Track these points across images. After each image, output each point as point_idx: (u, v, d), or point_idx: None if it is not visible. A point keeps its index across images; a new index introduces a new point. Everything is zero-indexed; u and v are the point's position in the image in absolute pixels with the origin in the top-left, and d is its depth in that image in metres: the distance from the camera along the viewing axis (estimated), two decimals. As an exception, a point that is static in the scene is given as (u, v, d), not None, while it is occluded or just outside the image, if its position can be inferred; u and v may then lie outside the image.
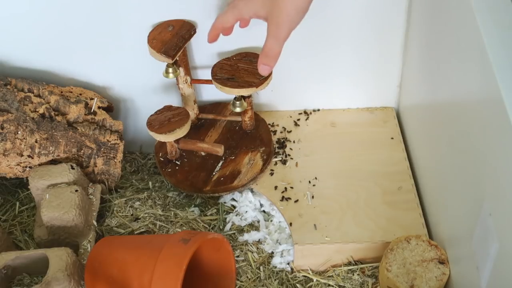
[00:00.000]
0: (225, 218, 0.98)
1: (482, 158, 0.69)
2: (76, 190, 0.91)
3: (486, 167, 0.68)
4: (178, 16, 0.96)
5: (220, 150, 0.97)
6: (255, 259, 0.93)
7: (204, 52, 1.00)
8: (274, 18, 0.80)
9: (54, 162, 0.97)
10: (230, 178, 0.98)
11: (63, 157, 0.97)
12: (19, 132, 0.94)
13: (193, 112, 1.03)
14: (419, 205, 0.95)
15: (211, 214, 0.99)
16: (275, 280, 0.91)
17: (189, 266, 0.77)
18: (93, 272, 0.84)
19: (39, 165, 0.96)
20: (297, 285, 0.91)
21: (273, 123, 1.08)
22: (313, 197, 0.97)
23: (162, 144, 1.01)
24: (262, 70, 0.87)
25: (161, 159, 1.02)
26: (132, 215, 0.98)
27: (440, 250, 0.86)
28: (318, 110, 1.11)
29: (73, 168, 0.94)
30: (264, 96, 1.08)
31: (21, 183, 1.04)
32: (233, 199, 1.00)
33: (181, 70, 0.97)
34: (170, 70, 0.95)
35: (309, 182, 0.99)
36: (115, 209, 0.98)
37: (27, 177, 0.96)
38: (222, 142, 1.02)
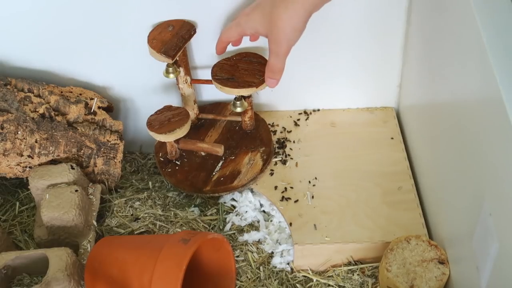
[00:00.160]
0: (225, 218, 0.98)
1: (482, 158, 0.69)
2: (76, 190, 0.91)
3: (486, 167, 0.68)
4: (178, 16, 0.96)
5: (220, 150, 0.97)
6: (255, 259, 0.93)
7: (204, 52, 1.00)
8: (273, 36, 0.85)
9: (54, 162, 0.97)
10: (230, 178, 0.98)
11: (63, 157, 0.97)
12: (19, 132, 0.94)
13: (193, 112, 1.03)
14: (419, 205, 0.95)
15: (211, 214, 0.99)
16: (275, 280, 0.91)
17: (189, 266, 0.77)
18: (93, 272, 0.84)
19: (39, 165, 0.96)
20: (297, 285, 0.91)
21: (273, 123, 1.08)
22: (313, 197, 0.97)
23: (162, 144, 1.01)
24: (270, 83, 0.91)
25: (161, 159, 1.02)
26: (132, 215, 0.98)
27: (440, 250, 0.86)
28: (318, 110, 1.11)
29: (73, 168, 0.94)
30: (264, 96, 1.08)
31: (21, 183, 1.04)
32: (233, 199, 1.00)
33: (181, 70, 0.97)
34: (171, 70, 0.95)
35: (309, 182, 0.99)
36: (115, 209, 0.98)
37: (27, 177, 0.96)
38: (222, 142, 1.02)
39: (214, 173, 0.99)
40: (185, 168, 1.00)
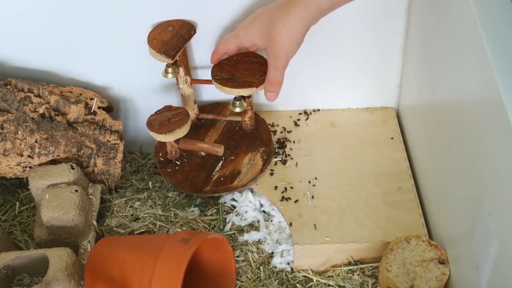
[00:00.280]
0: (225, 218, 0.98)
1: (482, 158, 0.69)
2: (76, 190, 0.91)
3: (486, 167, 0.68)
4: (178, 16, 0.96)
5: (220, 150, 0.97)
6: (255, 259, 0.93)
7: (204, 52, 1.00)
8: (271, 50, 0.86)
9: (54, 162, 0.97)
10: (230, 178, 0.98)
11: (63, 157, 0.97)
12: (19, 132, 0.94)
13: (193, 112, 1.03)
14: (419, 205, 0.95)
15: (211, 214, 0.99)
16: (275, 280, 0.91)
17: (189, 266, 0.77)
18: (93, 272, 0.84)
19: (39, 165, 0.96)
20: (297, 285, 0.91)
21: (273, 123, 1.08)
22: (313, 197, 0.97)
23: (162, 144, 1.01)
24: (269, 97, 0.92)
25: (161, 159, 1.02)
26: (132, 215, 0.98)
27: (440, 250, 0.86)
28: (318, 110, 1.11)
29: (73, 168, 0.94)
30: (264, 96, 1.08)
31: (21, 183, 1.04)
32: (233, 199, 1.00)
33: (181, 70, 0.97)
34: (170, 70, 0.95)
35: (309, 182, 0.99)
36: (115, 209, 0.98)
37: (27, 177, 0.96)
38: (222, 142, 1.02)
39: (214, 173, 0.99)
40: (185, 168, 1.00)
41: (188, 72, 0.99)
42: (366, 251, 0.91)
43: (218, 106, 1.07)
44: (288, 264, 0.93)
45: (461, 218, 0.78)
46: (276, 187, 0.99)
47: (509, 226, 0.63)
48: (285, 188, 0.98)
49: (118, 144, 0.99)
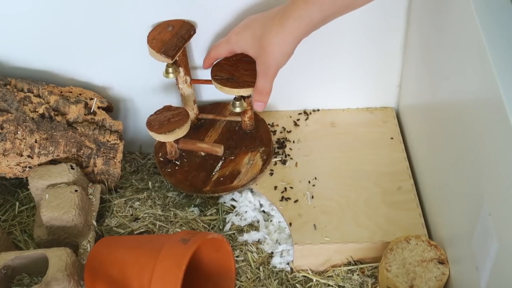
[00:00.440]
0: (225, 218, 0.98)
1: (482, 158, 0.69)
2: (76, 190, 0.91)
3: (486, 167, 0.68)
4: (178, 16, 0.96)
5: (219, 150, 0.97)
6: (255, 259, 0.93)
7: (204, 52, 1.00)
8: (262, 59, 0.87)
9: (53, 162, 0.97)
10: (229, 178, 0.98)
11: (62, 157, 0.97)
12: (18, 132, 0.94)
13: (192, 112, 1.03)
14: (419, 205, 0.95)
15: (210, 214, 0.99)
16: (274, 280, 0.91)
17: (189, 266, 0.77)
18: (93, 272, 0.84)
19: (39, 165, 0.96)
20: (297, 285, 0.91)
21: (273, 123, 1.08)
22: (313, 197, 0.97)
23: (162, 144, 1.01)
24: (257, 106, 0.92)
25: (161, 159, 1.02)
26: (131, 215, 0.98)
27: (440, 250, 0.86)
28: (318, 110, 1.11)
29: (72, 168, 0.94)
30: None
31: (21, 183, 1.04)
32: (233, 199, 1.00)
33: (181, 70, 0.97)
34: (170, 70, 0.95)
35: (309, 182, 0.99)
36: (114, 209, 0.98)
37: (27, 177, 0.96)
38: (221, 142, 1.02)
39: (214, 173, 0.99)
40: (184, 168, 1.00)
41: (188, 72, 0.99)
42: (365, 251, 0.91)
43: (217, 106, 1.07)
44: (288, 264, 0.93)
45: (461, 218, 0.78)
46: (275, 187, 0.99)
47: (509, 226, 0.63)
48: (285, 188, 0.98)
49: (117, 144, 0.99)
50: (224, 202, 1.00)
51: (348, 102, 1.10)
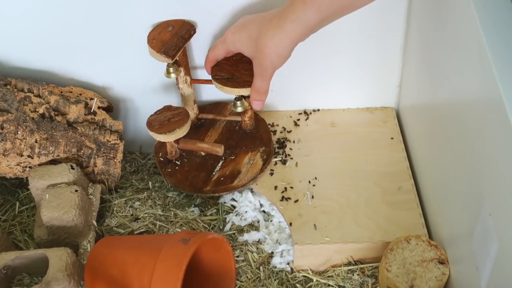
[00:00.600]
0: (225, 218, 0.98)
1: (482, 158, 0.69)
2: (76, 190, 0.91)
3: (486, 167, 0.68)
4: (178, 16, 0.96)
5: (220, 150, 0.97)
6: (255, 259, 0.93)
7: (204, 52, 1.00)
8: (258, 60, 0.87)
9: (54, 162, 0.97)
10: (230, 178, 0.98)
11: (63, 157, 0.97)
12: (19, 132, 0.94)
13: (193, 112, 1.03)
14: (419, 205, 0.95)
15: (211, 214, 0.99)
16: (275, 280, 0.91)
17: (189, 266, 0.77)
18: (93, 272, 0.84)
19: (39, 165, 0.96)
20: (297, 285, 0.91)
21: (273, 123, 1.08)
22: (313, 197, 0.97)
23: (162, 144, 1.01)
24: (256, 105, 0.92)
25: (161, 159, 1.02)
26: (132, 215, 0.98)
27: (440, 250, 0.86)
28: (318, 110, 1.11)
29: (73, 168, 0.94)
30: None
31: (21, 183, 1.04)
32: (233, 199, 1.00)
33: (181, 70, 0.97)
34: (172, 70, 0.95)
35: (309, 182, 0.99)
36: (115, 209, 0.98)
37: (27, 177, 0.96)
38: (222, 142, 1.02)
39: (214, 173, 0.99)
40: (185, 168, 1.00)
41: (188, 72, 0.99)
42: (366, 251, 0.91)
43: (218, 106, 1.07)
44: (288, 264, 0.93)
45: (461, 218, 0.78)
46: (276, 187, 0.99)
47: (509, 226, 0.63)
48: (285, 188, 0.98)
49: (118, 144, 0.99)
50: (224, 202, 1.00)
51: (348, 102, 1.10)
